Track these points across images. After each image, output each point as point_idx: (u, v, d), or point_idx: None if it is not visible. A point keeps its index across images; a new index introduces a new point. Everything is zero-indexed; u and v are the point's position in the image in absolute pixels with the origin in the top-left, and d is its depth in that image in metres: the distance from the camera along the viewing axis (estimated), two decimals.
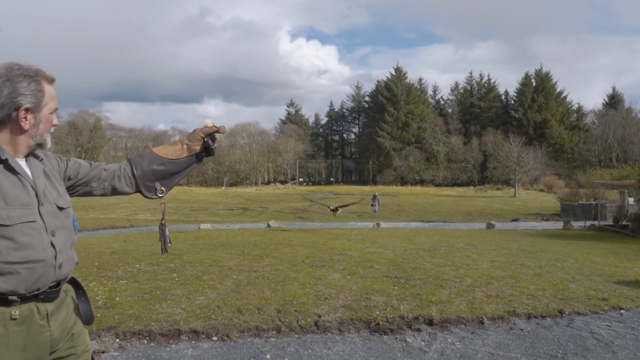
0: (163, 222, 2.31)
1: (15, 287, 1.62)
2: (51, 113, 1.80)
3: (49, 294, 1.72)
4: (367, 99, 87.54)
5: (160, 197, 2.10)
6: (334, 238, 11.21)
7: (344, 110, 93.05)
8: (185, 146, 2.07)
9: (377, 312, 4.87)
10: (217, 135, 2.10)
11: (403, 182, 71.59)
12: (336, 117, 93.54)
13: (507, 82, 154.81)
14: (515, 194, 51.26)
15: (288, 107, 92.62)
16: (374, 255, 8.03)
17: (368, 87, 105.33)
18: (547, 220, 29.43)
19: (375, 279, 6.06)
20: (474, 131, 74.35)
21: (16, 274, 1.62)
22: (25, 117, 1.71)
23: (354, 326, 4.69)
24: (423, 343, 4.33)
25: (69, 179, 1.95)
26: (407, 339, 4.41)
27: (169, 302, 5.23)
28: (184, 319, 4.77)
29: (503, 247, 10.06)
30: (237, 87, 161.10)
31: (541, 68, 75.90)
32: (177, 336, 4.53)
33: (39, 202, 1.71)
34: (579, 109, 76.11)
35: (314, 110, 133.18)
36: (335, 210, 17.20)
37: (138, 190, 2.08)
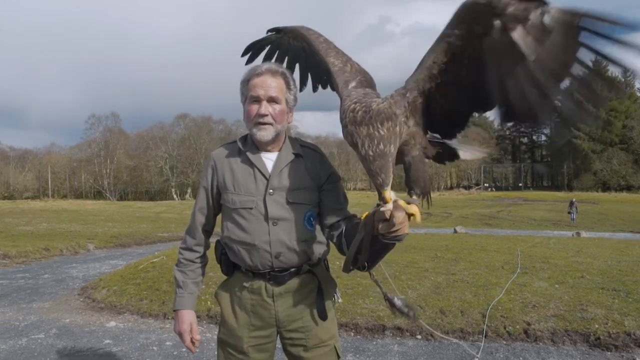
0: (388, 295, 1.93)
1: (240, 262, 1.87)
2: (252, 102, 1.82)
3: (276, 278, 1.86)
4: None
5: (364, 271, 1.76)
6: (531, 245, 10.49)
7: None
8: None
9: (597, 326, 4.42)
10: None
11: (605, 187, 63.92)
12: None
13: None
14: None
15: None
16: (583, 265, 7.32)
17: None
18: None
19: (589, 290, 5.52)
20: None
21: (237, 251, 1.85)
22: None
23: (569, 338, 4.34)
24: None
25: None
26: (637, 358, 3.94)
27: (371, 298, 5.42)
28: (387, 315, 4.89)
29: None
30: None
31: None
32: (382, 331, 4.68)
33: (266, 192, 1.82)
34: None
35: None
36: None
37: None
